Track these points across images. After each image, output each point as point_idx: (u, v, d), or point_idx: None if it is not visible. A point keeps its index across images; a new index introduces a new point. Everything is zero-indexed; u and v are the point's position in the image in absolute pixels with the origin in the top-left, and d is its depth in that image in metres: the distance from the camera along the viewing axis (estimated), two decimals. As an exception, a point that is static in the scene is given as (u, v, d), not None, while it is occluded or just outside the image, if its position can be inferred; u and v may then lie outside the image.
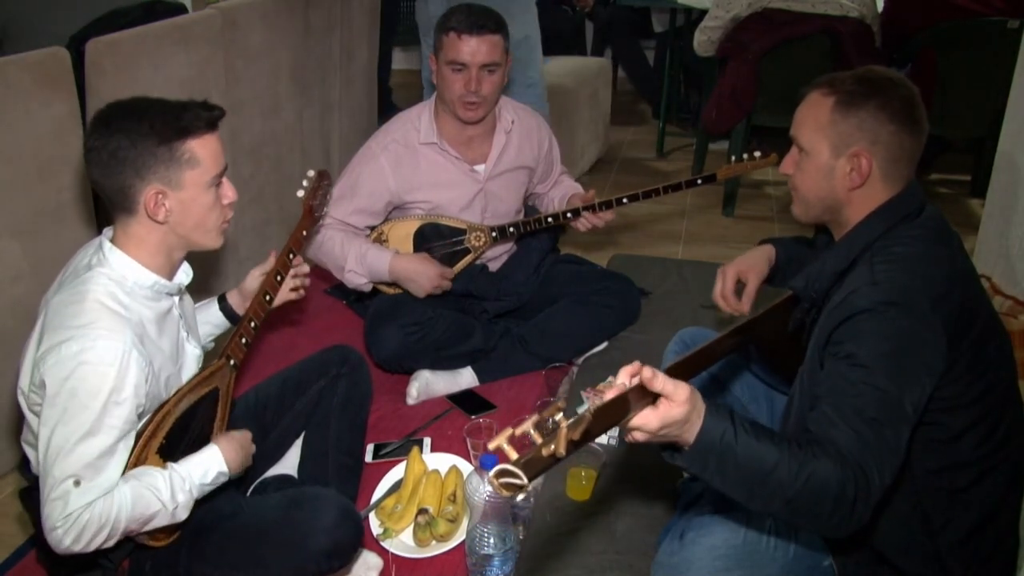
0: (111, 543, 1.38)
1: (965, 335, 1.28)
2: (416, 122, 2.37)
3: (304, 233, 1.84)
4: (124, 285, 1.43)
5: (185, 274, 1.57)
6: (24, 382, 1.42)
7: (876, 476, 1.14)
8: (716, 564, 1.36)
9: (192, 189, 1.44)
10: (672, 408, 1.04)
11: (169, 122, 1.40)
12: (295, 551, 1.54)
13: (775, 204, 3.90)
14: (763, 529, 1.39)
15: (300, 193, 1.94)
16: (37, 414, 1.37)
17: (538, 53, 3.30)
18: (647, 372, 1.03)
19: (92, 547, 1.35)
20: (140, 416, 1.43)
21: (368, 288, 2.39)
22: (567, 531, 1.81)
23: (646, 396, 1.03)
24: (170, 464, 1.45)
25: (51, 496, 1.32)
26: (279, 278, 1.75)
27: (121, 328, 1.37)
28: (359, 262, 2.32)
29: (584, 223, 2.42)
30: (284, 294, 1.81)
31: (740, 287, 1.76)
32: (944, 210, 1.42)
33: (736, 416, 1.11)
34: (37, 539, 1.46)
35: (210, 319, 1.80)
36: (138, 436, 1.44)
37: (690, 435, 1.08)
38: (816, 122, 1.38)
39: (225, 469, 1.50)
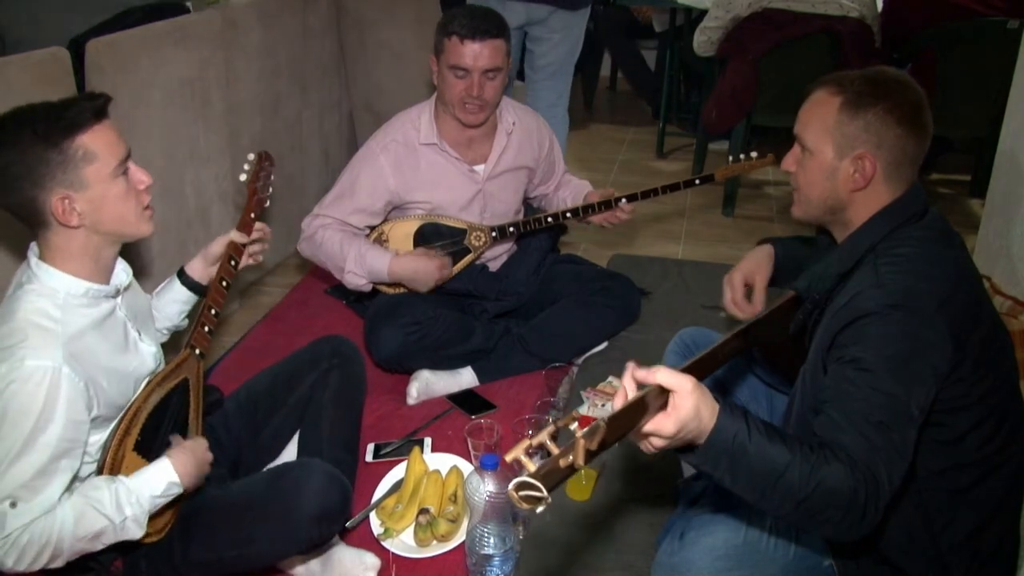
0: (59, 563, 1.35)
1: (970, 336, 1.28)
2: (416, 122, 2.37)
3: (252, 215, 1.81)
4: (56, 298, 1.38)
5: (125, 273, 1.54)
6: None
7: (885, 480, 1.13)
8: (716, 564, 1.36)
9: (98, 185, 1.37)
10: (682, 400, 1.02)
11: (52, 123, 1.33)
12: (284, 519, 1.53)
13: (775, 204, 3.90)
14: (763, 529, 1.39)
15: (243, 177, 1.91)
16: None
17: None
18: (640, 372, 1.02)
19: (37, 566, 1.33)
20: (101, 423, 1.42)
21: (368, 288, 2.39)
22: (567, 531, 1.81)
23: (656, 401, 1.02)
24: (119, 477, 1.41)
25: None
26: (233, 263, 1.73)
27: (50, 345, 1.33)
28: (358, 263, 2.32)
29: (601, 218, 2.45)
30: (243, 264, 1.79)
31: (748, 292, 1.76)
32: (944, 210, 1.42)
33: (751, 417, 1.10)
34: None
35: (176, 297, 1.76)
36: (111, 436, 1.43)
37: (703, 434, 1.06)
38: (821, 122, 1.36)
39: (176, 480, 1.45)
